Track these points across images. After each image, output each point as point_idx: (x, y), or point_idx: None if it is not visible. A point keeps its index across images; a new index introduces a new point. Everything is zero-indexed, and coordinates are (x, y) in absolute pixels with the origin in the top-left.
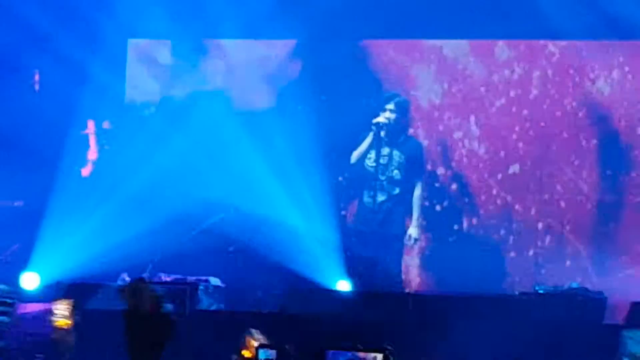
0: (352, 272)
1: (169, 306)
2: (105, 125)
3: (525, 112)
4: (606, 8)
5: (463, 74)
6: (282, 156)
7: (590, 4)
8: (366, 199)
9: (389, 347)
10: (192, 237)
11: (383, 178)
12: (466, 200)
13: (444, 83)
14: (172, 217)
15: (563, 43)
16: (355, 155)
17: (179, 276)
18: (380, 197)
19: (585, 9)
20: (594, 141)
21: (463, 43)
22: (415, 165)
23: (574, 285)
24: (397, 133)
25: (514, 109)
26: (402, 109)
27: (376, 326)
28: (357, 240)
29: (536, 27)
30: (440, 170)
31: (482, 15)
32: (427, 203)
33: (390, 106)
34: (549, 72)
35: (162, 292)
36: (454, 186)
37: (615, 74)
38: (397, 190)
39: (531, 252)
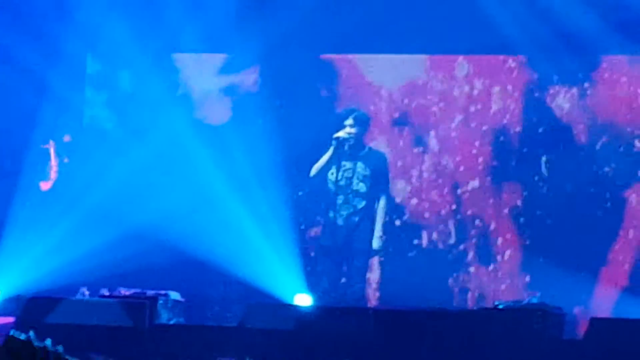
0: (314, 287)
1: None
2: (66, 139)
3: (485, 127)
4: (565, 24)
5: (423, 89)
6: (242, 170)
7: (549, 20)
8: (332, 214)
9: None
10: (151, 251)
11: (348, 192)
12: (426, 215)
13: (404, 98)
14: (132, 230)
15: (523, 59)
16: (315, 169)
17: (138, 290)
18: (346, 211)
19: (543, 25)
20: (554, 156)
21: (423, 58)
22: (380, 177)
23: (534, 300)
24: (359, 146)
25: (473, 125)
26: (362, 123)
27: (337, 341)
28: (322, 255)
29: (496, 43)
30: (400, 185)
31: (441, 30)
32: (387, 218)
33: (350, 121)
34: (509, 87)
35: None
36: (413, 201)
37: (575, 89)
38: (363, 204)
39: (491, 267)
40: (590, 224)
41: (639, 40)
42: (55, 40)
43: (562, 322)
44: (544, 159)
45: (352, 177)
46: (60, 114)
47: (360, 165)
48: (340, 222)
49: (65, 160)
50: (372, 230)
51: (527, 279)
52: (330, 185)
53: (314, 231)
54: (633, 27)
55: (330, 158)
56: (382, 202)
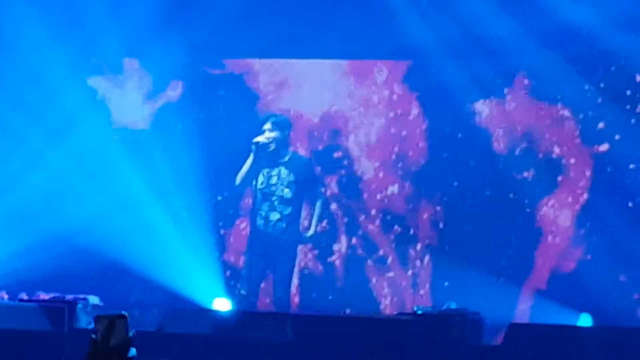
0: (233, 292)
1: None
2: None
3: (404, 132)
4: (485, 31)
5: (342, 94)
6: (161, 175)
7: (469, 27)
8: (259, 221)
9: None
10: (70, 255)
11: (274, 198)
12: (345, 220)
13: (323, 103)
14: (49, 235)
15: (442, 65)
16: (239, 177)
17: (57, 294)
18: (273, 217)
19: (463, 31)
20: (473, 162)
21: (342, 63)
22: (307, 182)
23: (453, 306)
24: (281, 152)
25: (393, 130)
26: (282, 128)
27: (255, 347)
28: (247, 260)
29: (415, 49)
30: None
31: (360, 35)
32: (306, 223)
33: (268, 125)
34: (429, 93)
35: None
36: (333, 206)
37: (495, 96)
38: (289, 210)
39: (410, 273)
40: (509, 230)
41: (559, 48)
42: None
43: (481, 328)
44: None
45: (276, 184)
46: None
47: (284, 171)
48: (269, 229)
49: None
50: (299, 237)
51: (446, 284)
52: (255, 192)
53: (234, 236)
54: (553, 35)
55: (252, 164)
56: (317, 204)
